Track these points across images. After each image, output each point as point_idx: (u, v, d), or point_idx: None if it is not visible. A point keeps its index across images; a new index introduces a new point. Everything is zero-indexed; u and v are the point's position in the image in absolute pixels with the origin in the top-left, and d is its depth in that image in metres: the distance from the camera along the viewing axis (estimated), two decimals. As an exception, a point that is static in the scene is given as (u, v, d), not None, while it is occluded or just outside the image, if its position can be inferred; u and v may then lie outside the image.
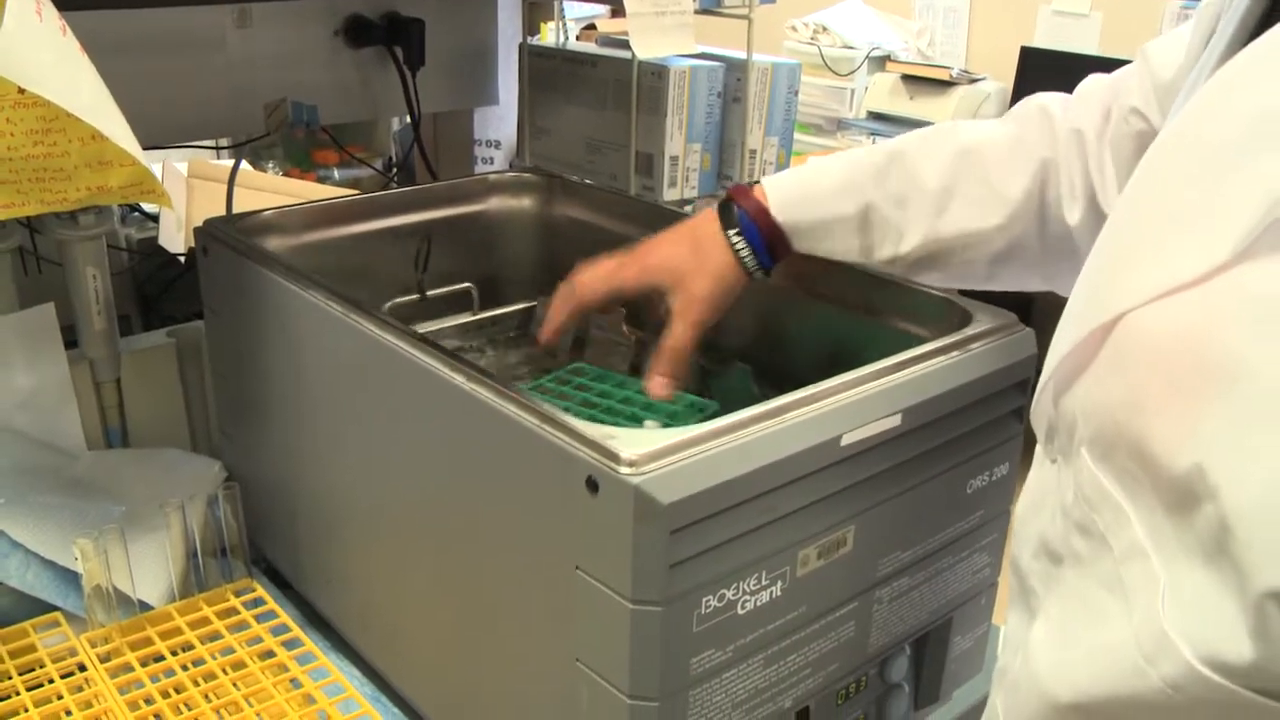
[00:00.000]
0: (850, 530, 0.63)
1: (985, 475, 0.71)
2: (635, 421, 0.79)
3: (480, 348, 1.02)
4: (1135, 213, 0.49)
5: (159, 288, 1.34)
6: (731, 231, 0.77)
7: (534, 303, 1.04)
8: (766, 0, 1.36)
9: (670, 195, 1.32)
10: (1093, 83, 0.73)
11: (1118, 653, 0.43)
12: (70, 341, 0.96)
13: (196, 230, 0.88)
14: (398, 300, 0.97)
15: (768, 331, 0.88)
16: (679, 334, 0.77)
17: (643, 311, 0.90)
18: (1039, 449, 0.55)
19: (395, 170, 1.78)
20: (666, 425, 0.79)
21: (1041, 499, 0.53)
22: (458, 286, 1.01)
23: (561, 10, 1.52)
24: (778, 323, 0.88)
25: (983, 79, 3.13)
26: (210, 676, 0.77)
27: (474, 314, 1.03)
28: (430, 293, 0.99)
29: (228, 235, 0.85)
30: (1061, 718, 0.47)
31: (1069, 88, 0.74)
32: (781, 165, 1.41)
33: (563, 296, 0.83)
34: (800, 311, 0.85)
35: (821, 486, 0.60)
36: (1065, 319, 0.50)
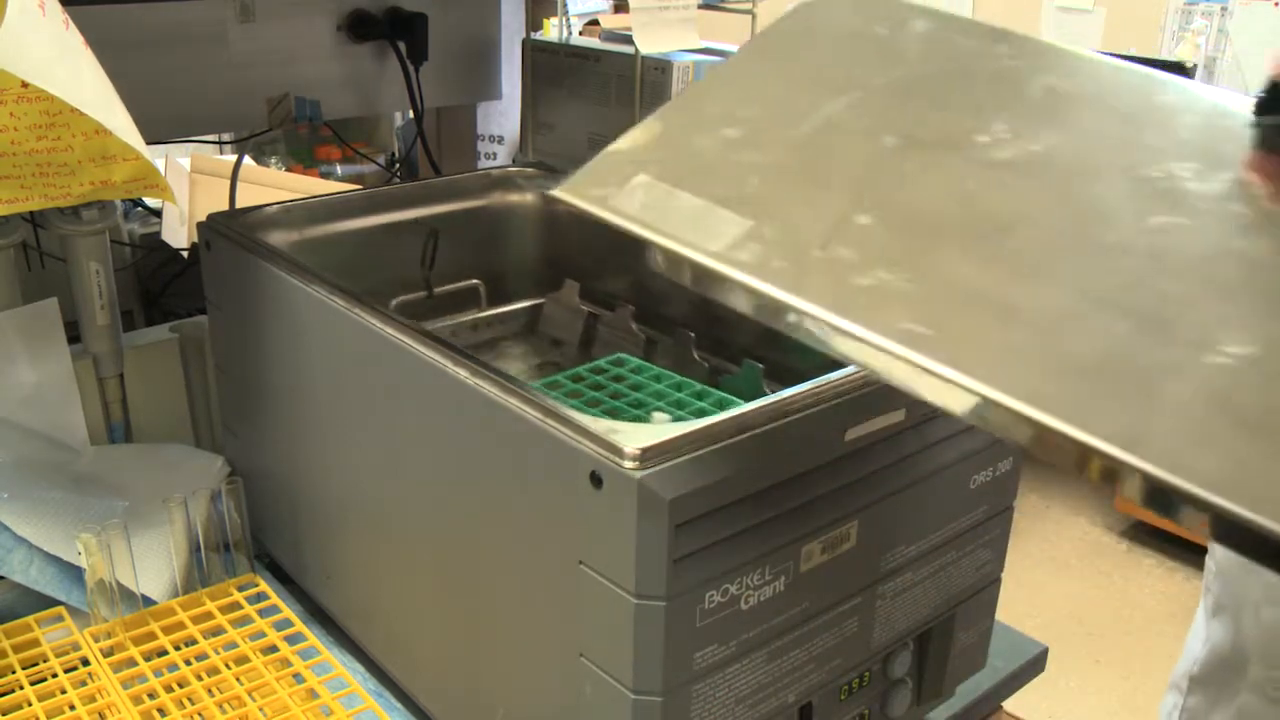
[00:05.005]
0: (854, 526, 0.63)
1: (989, 470, 0.71)
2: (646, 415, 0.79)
3: (492, 343, 1.02)
4: None
5: (162, 283, 1.35)
6: None
7: (541, 300, 1.04)
8: (770, -5, 1.36)
9: (673, 191, 1.32)
10: None
11: None
12: (73, 337, 0.96)
13: (199, 225, 0.88)
14: (404, 298, 0.97)
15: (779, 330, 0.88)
16: None
17: (651, 308, 0.89)
18: None
19: (398, 166, 1.78)
20: (678, 419, 0.79)
21: None
22: (465, 283, 1.01)
23: (565, 5, 1.51)
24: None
25: (986, 75, 3.12)
26: (213, 671, 0.77)
27: (481, 310, 1.03)
28: (437, 290, 0.99)
29: (230, 230, 0.85)
30: None
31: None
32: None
33: None
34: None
35: (825, 482, 0.60)
36: None
